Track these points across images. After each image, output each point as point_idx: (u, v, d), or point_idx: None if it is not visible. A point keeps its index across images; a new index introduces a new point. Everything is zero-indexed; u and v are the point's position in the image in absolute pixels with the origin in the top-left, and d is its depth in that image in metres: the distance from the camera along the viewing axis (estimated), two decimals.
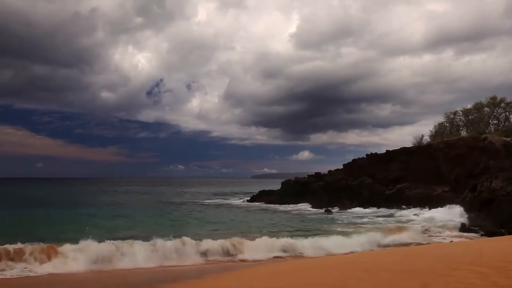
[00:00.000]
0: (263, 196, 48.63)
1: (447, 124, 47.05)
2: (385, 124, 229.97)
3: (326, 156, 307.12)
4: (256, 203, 46.21)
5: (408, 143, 45.74)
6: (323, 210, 35.44)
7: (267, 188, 54.44)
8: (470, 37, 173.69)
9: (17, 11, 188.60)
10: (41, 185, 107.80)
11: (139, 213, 32.92)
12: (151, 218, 29.23)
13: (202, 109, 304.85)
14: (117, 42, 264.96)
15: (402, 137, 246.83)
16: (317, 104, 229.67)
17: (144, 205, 43.74)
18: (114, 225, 23.61)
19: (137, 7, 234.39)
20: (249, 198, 51.14)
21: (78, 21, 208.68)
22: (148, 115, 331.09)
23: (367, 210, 34.98)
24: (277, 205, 42.40)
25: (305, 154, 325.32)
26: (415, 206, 33.54)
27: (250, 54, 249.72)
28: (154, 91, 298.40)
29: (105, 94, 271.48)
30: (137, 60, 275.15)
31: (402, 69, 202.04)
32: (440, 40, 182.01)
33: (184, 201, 50.43)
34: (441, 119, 48.47)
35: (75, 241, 14.55)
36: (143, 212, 34.65)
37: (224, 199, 56.74)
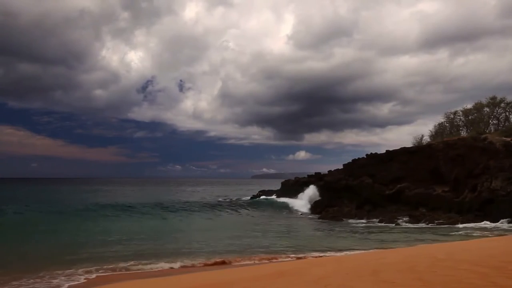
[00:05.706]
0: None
1: (447, 124, 47.13)
2: (382, 124, 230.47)
3: (323, 156, 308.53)
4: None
5: (406, 143, 45.87)
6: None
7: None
8: (465, 37, 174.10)
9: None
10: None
11: None
12: None
13: (197, 108, 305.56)
14: (110, 40, 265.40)
15: (399, 136, 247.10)
16: (314, 104, 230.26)
17: None
18: None
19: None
20: None
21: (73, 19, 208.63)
22: (143, 114, 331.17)
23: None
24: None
25: (303, 154, 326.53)
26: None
27: (245, 54, 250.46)
28: (148, 89, 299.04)
29: (102, 93, 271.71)
30: (130, 58, 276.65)
31: (398, 69, 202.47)
32: (436, 40, 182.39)
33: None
34: (441, 119, 48.67)
35: None
36: None
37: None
